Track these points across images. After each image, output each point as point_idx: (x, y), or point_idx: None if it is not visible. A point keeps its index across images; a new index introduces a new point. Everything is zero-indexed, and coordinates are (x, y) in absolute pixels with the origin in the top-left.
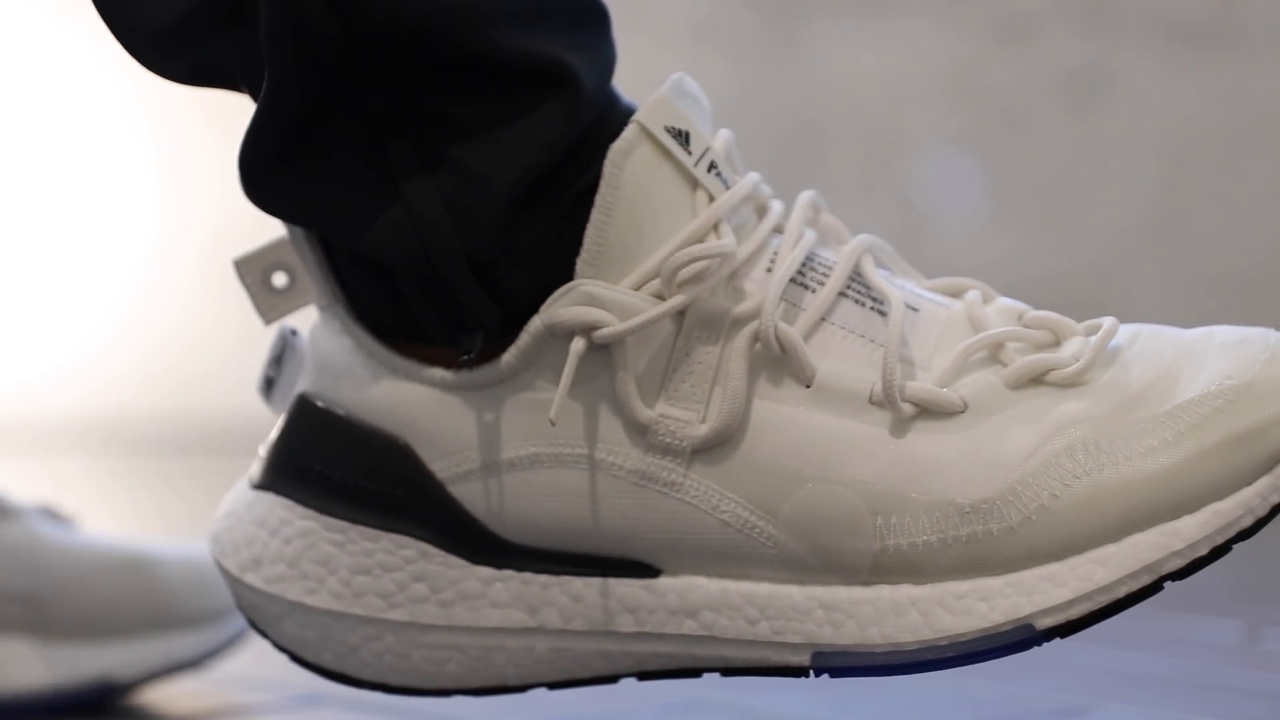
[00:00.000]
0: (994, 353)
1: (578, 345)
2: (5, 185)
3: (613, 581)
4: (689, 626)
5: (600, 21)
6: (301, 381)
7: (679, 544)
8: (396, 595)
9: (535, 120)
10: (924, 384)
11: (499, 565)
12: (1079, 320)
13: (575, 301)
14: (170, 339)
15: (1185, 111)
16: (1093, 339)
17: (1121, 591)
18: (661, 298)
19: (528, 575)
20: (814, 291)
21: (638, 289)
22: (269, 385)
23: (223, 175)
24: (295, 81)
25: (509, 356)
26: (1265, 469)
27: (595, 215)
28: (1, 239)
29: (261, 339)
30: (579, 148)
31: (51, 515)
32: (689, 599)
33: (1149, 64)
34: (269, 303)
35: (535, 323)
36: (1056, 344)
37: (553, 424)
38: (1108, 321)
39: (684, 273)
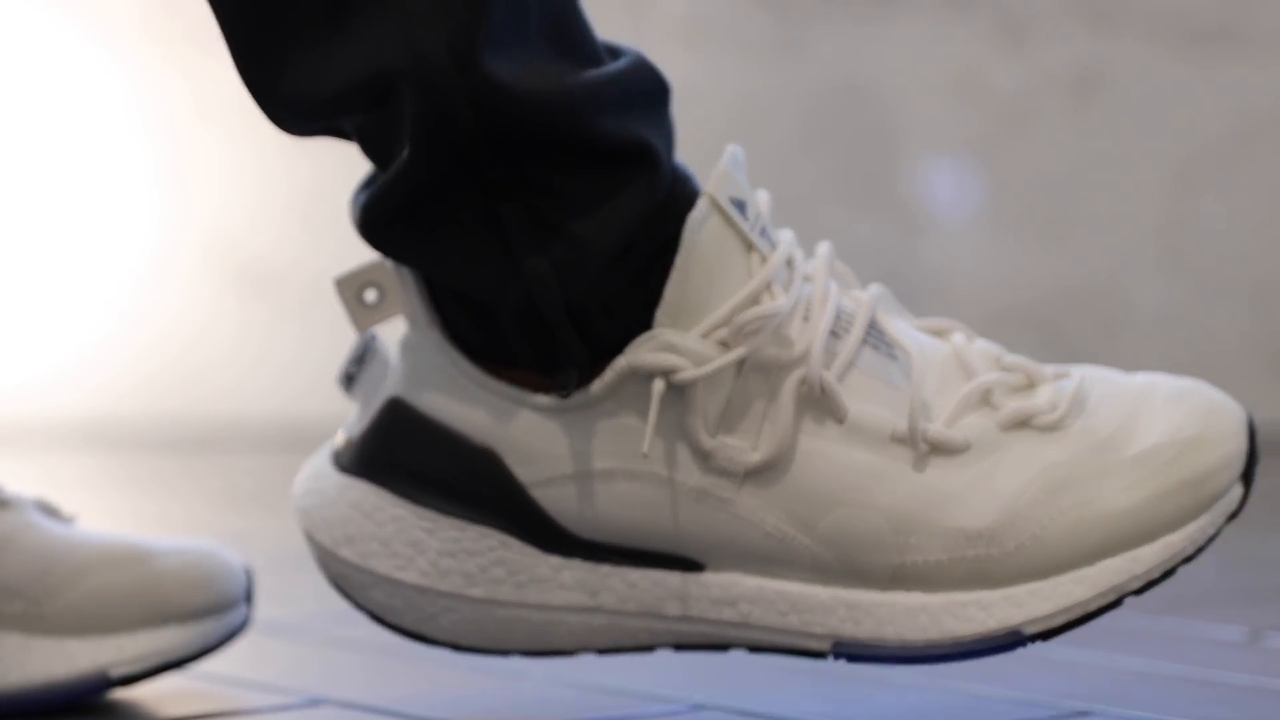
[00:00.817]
0: (985, 397)
1: (659, 386)
2: (2, 185)
3: (664, 573)
4: (728, 614)
5: (667, 98)
6: (390, 385)
7: (727, 548)
8: (477, 576)
9: (626, 193)
10: (935, 426)
11: (567, 555)
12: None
13: (657, 348)
14: (168, 339)
15: (1190, 111)
16: (1064, 385)
17: (1094, 606)
18: (726, 346)
19: (591, 565)
20: (841, 339)
21: (705, 337)
22: (350, 380)
23: (221, 176)
24: (428, 157)
25: (597, 388)
26: (1206, 508)
27: (674, 274)
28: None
29: (260, 341)
30: (654, 213)
31: (48, 510)
32: (730, 592)
33: (1153, 64)
34: (362, 315)
35: (621, 363)
36: (1031, 386)
37: (645, 456)
38: (1075, 373)
39: (748, 328)
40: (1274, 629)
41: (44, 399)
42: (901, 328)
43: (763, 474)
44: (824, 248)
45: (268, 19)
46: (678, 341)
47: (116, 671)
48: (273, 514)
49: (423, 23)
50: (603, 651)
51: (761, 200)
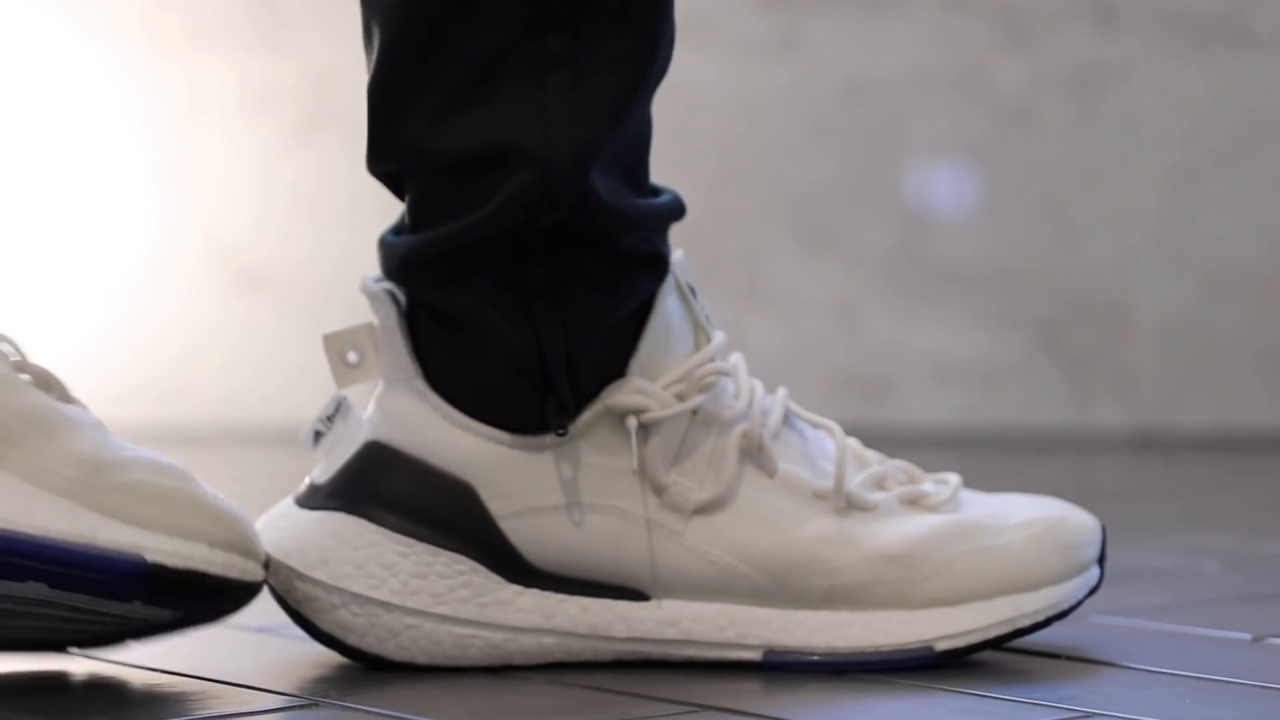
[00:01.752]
0: (880, 481)
1: (632, 422)
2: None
3: (613, 601)
4: (670, 632)
5: (678, 219)
6: (365, 433)
7: (675, 576)
8: (444, 596)
9: (637, 287)
10: (854, 489)
11: (527, 584)
12: None
13: (631, 391)
14: (167, 341)
15: (1192, 110)
16: (949, 478)
17: (992, 634)
18: (682, 398)
19: (549, 593)
20: (767, 416)
21: (666, 389)
22: (317, 437)
23: (222, 176)
24: (503, 222)
25: (573, 429)
26: (1077, 573)
27: (647, 334)
28: None
29: (260, 342)
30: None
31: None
32: (674, 613)
33: (1155, 62)
34: (343, 373)
35: (600, 404)
36: (913, 481)
37: (634, 466)
38: (954, 477)
39: (705, 381)
40: (1276, 631)
41: None
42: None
43: (708, 512)
44: (737, 357)
45: (424, 69)
46: (647, 388)
47: (151, 558)
48: None
49: (561, 125)
50: (545, 665)
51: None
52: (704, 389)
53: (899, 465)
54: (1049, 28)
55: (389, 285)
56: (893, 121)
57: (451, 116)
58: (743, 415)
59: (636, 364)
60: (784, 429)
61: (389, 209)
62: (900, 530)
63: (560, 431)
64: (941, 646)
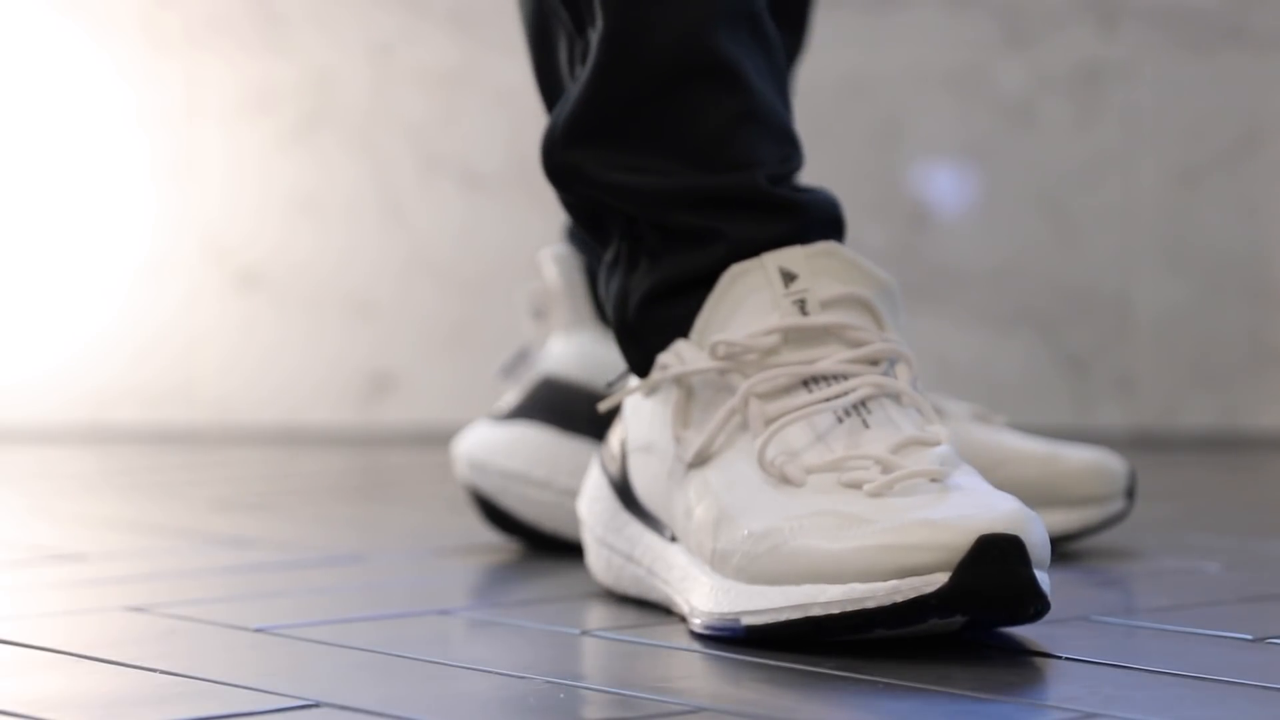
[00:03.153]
0: (839, 464)
1: (658, 374)
2: None
3: (662, 542)
4: (673, 575)
5: (751, 204)
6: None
7: (673, 522)
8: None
9: (689, 262)
10: (788, 463)
11: (632, 514)
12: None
13: (670, 352)
14: (166, 341)
15: (1194, 109)
16: (937, 452)
17: (784, 617)
18: (701, 364)
19: (639, 524)
20: (810, 393)
21: (708, 354)
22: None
23: (219, 178)
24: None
25: (646, 381)
26: (894, 575)
27: (706, 305)
28: None
29: (256, 342)
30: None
31: (981, 417)
32: (679, 559)
33: (1158, 62)
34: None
35: (659, 362)
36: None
37: (643, 401)
38: (933, 467)
39: (724, 349)
40: (1278, 632)
41: (39, 401)
42: (894, 412)
43: (698, 466)
44: (899, 352)
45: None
46: (684, 349)
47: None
48: (273, 516)
49: (558, 109)
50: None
51: (844, 291)
52: (726, 356)
53: (939, 457)
54: (1049, 27)
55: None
56: (893, 121)
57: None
58: (749, 387)
59: (695, 330)
60: (828, 415)
61: (388, 209)
62: (779, 509)
63: (609, 384)
64: (747, 621)
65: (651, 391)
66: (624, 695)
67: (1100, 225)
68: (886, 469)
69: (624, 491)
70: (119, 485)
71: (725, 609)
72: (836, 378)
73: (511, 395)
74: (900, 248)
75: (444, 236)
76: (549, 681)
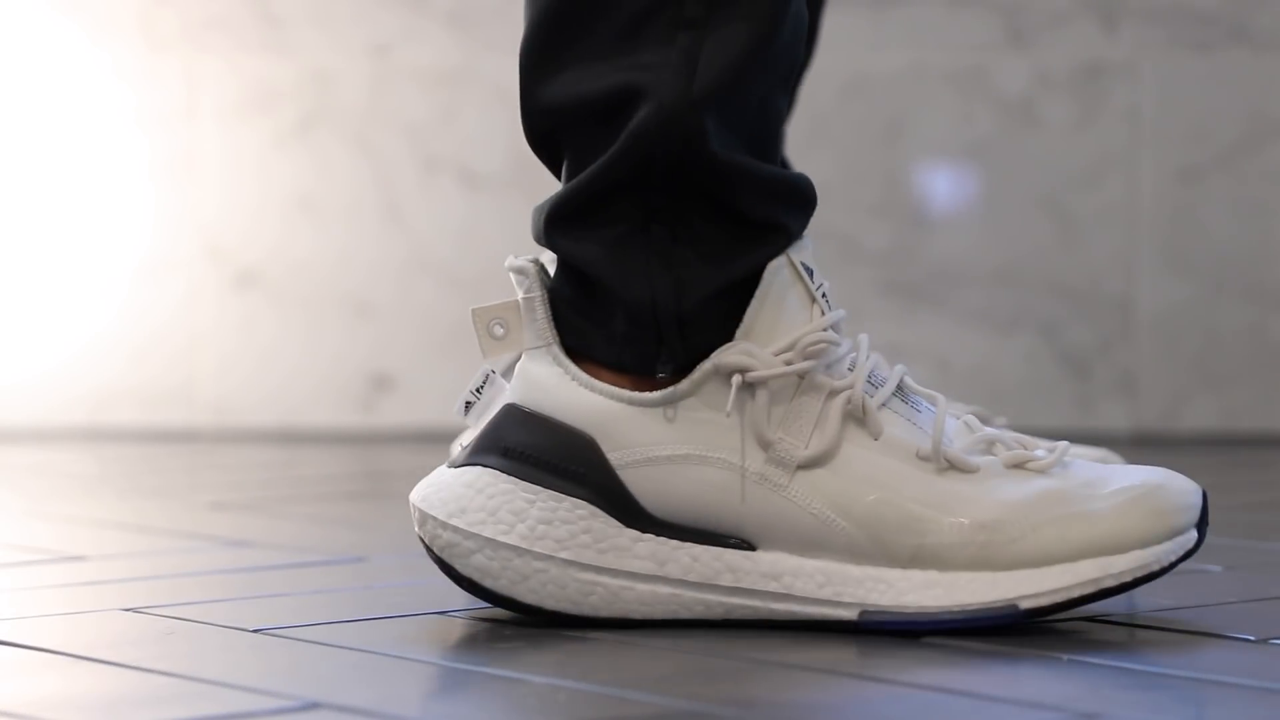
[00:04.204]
0: (989, 445)
1: (737, 379)
2: None
3: (721, 550)
4: (773, 586)
5: (802, 195)
6: (507, 397)
7: (777, 527)
8: (567, 541)
9: (749, 255)
10: (954, 449)
11: (643, 530)
12: None
13: (738, 353)
14: (165, 341)
15: (1196, 109)
16: (1059, 444)
17: (1076, 594)
18: (789, 364)
19: (663, 539)
20: (879, 387)
21: (777, 355)
22: (468, 407)
23: (218, 177)
24: (624, 163)
25: (685, 385)
26: (1169, 537)
27: (753, 304)
28: None
29: (255, 342)
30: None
31: (982, 419)
32: (776, 567)
33: (1159, 61)
34: (490, 346)
35: (708, 364)
36: (1024, 447)
37: (728, 415)
38: (1063, 443)
39: (811, 349)
40: None
41: (38, 402)
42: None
43: (811, 468)
44: (863, 337)
45: (579, 27)
46: (755, 350)
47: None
48: (272, 517)
49: (681, 74)
50: (665, 621)
51: (825, 285)
52: (810, 356)
53: (1013, 436)
54: (1051, 27)
55: (533, 259)
56: (893, 120)
57: (597, 67)
58: (849, 383)
59: (742, 332)
60: (896, 400)
61: (388, 209)
62: (996, 494)
63: (662, 375)
64: (1026, 605)
65: (685, 396)
66: (624, 695)
67: (1101, 225)
68: (1024, 444)
69: (625, 508)
70: (118, 486)
71: (990, 598)
72: (878, 367)
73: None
74: (900, 248)
75: (443, 236)
76: (549, 682)
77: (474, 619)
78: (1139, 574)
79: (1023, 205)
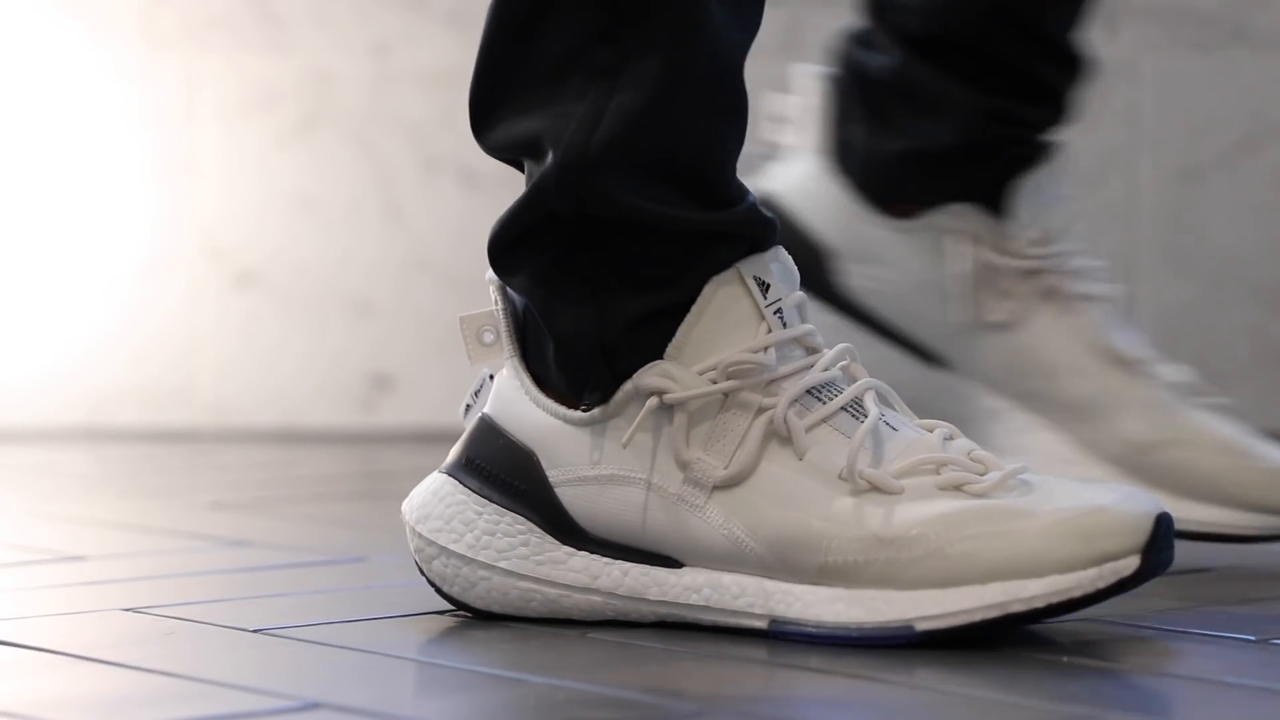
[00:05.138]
0: (938, 468)
1: (652, 402)
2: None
3: (649, 566)
4: (694, 598)
5: (737, 229)
6: (487, 406)
7: (695, 546)
8: (507, 552)
9: (677, 281)
10: (876, 471)
11: (578, 547)
12: None
13: (657, 374)
14: (166, 341)
15: (1197, 108)
16: (1014, 466)
17: (978, 618)
18: (715, 383)
19: (595, 555)
20: (825, 403)
21: (700, 374)
22: (467, 409)
23: (219, 177)
24: (531, 206)
25: (611, 406)
26: (1096, 563)
27: (685, 321)
28: None
29: (256, 343)
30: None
31: (1195, 390)
32: (696, 580)
33: (1158, 61)
34: (477, 352)
35: (628, 385)
36: (985, 472)
37: (624, 447)
38: (1017, 464)
39: (733, 369)
40: None
41: (38, 402)
42: (887, 412)
43: (729, 488)
44: (841, 345)
45: (512, 67)
46: (674, 371)
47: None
48: (272, 517)
49: (584, 126)
50: (601, 623)
51: (795, 298)
52: (734, 376)
53: (980, 458)
54: None
55: None
56: None
57: (530, 110)
58: (775, 402)
59: (672, 350)
60: (845, 416)
61: (388, 209)
62: (908, 513)
63: (584, 408)
64: (922, 626)
65: (610, 417)
66: (624, 695)
67: (1101, 225)
68: (988, 466)
69: (560, 524)
70: (119, 486)
71: (888, 617)
72: (833, 384)
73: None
74: None
75: (443, 236)
76: (549, 682)
77: (474, 620)
78: (1053, 600)
79: None
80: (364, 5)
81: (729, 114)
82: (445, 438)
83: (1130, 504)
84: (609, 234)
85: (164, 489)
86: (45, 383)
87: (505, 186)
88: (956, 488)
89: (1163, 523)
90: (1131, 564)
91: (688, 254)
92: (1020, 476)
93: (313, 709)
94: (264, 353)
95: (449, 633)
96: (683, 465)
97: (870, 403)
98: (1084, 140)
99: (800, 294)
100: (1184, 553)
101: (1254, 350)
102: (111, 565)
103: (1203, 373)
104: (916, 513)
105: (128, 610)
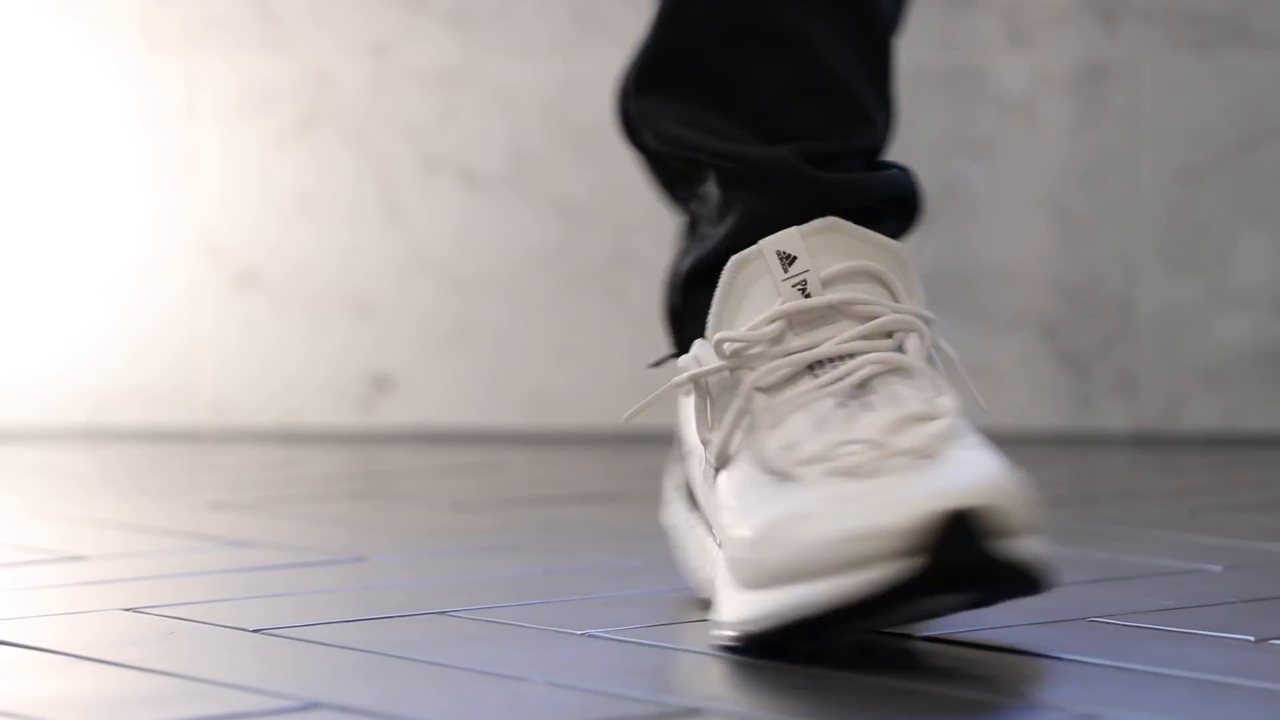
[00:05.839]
0: (829, 451)
1: (679, 378)
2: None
3: (711, 543)
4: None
5: (785, 181)
6: None
7: (711, 523)
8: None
9: (720, 244)
10: (783, 459)
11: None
12: None
13: (695, 347)
14: (166, 342)
15: (1197, 108)
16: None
17: (783, 622)
18: (702, 365)
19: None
20: (815, 379)
21: (719, 349)
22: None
23: (219, 177)
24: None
25: (673, 385)
26: (875, 564)
27: (716, 297)
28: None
29: (256, 343)
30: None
31: None
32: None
33: (1159, 61)
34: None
35: (679, 365)
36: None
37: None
38: (966, 436)
39: (728, 346)
40: None
41: (38, 402)
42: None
43: (725, 467)
44: (892, 318)
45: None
46: (699, 350)
47: None
48: (273, 517)
49: (632, 56)
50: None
51: (836, 268)
52: (736, 354)
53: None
54: (1050, 26)
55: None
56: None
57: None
58: (756, 383)
59: (711, 323)
60: (829, 400)
61: (388, 209)
62: (771, 505)
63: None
64: (750, 629)
65: (684, 392)
66: (624, 695)
67: (1102, 225)
68: (878, 451)
69: (690, 495)
70: (119, 486)
71: (736, 617)
72: (840, 359)
73: None
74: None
75: (443, 236)
76: (549, 682)
77: (474, 619)
78: (837, 604)
79: (1022, 205)
80: (364, 5)
81: (758, 41)
82: (445, 438)
83: (930, 498)
84: (669, 169)
85: (164, 489)
86: (45, 383)
87: (505, 186)
88: (846, 473)
89: (958, 519)
90: (916, 563)
91: (722, 210)
92: (947, 453)
93: (313, 709)
94: (264, 353)
95: (449, 633)
96: (704, 443)
97: (865, 379)
98: (1084, 140)
99: (870, 264)
100: (1180, 555)
101: (1254, 351)
102: (112, 565)
103: (1203, 373)
104: (781, 505)
105: (128, 610)
